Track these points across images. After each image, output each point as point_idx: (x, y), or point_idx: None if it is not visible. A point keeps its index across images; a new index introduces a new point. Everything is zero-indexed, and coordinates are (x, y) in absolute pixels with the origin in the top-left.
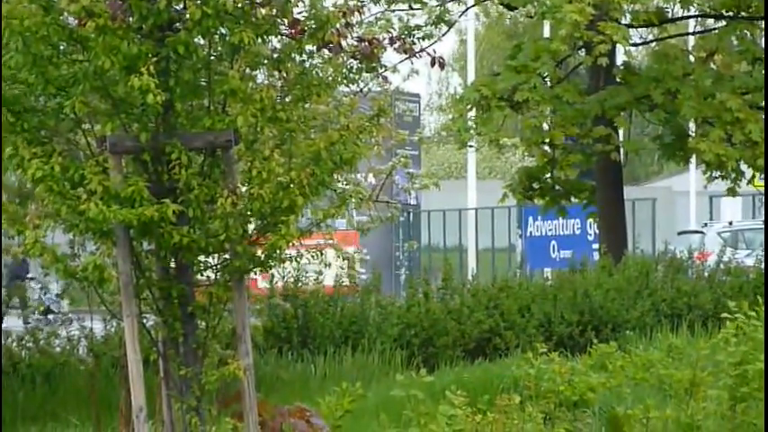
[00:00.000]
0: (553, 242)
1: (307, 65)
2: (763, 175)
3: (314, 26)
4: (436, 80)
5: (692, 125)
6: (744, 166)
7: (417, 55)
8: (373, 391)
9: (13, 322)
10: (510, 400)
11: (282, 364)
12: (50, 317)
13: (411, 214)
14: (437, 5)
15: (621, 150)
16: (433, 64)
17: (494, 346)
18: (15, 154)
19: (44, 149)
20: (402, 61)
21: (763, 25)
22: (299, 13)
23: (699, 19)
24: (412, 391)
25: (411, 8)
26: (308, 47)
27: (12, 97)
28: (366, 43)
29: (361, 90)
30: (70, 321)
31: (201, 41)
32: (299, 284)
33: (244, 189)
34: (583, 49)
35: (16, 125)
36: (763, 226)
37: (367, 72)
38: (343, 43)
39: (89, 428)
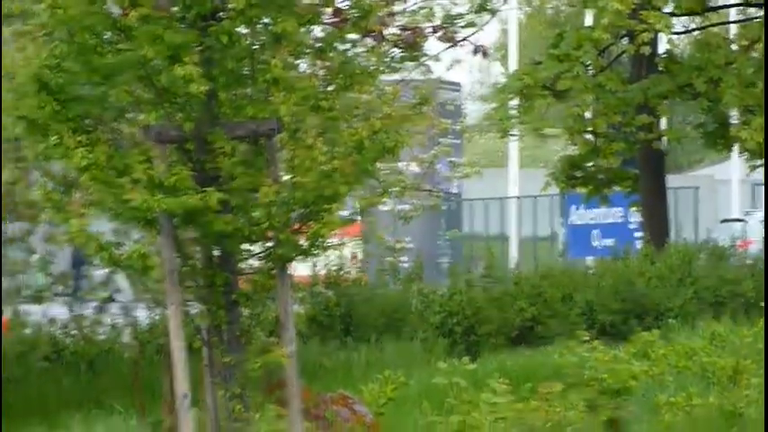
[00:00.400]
0: (595, 230)
1: (349, 54)
2: None
3: (357, 15)
4: (478, 69)
5: (734, 113)
6: None
7: (460, 44)
8: (415, 378)
9: (57, 310)
10: (552, 388)
11: (325, 352)
12: (100, 304)
13: (453, 203)
14: None
15: (664, 139)
16: (475, 53)
17: (536, 334)
18: (60, 143)
19: (89, 138)
20: (445, 50)
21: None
22: (342, 1)
23: (741, 8)
24: (454, 378)
25: None
26: (351, 36)
27: (57, 86)
28: (409, 32)
29: (403, 79)
30: (129, 309)
31: (244, 30)
32: (342, 273)
33: (287, 177)
34: (625, 38)
35: (61, 114)
36: None
37: (409, 61)
38: (386, 32)
39: (133, 415)
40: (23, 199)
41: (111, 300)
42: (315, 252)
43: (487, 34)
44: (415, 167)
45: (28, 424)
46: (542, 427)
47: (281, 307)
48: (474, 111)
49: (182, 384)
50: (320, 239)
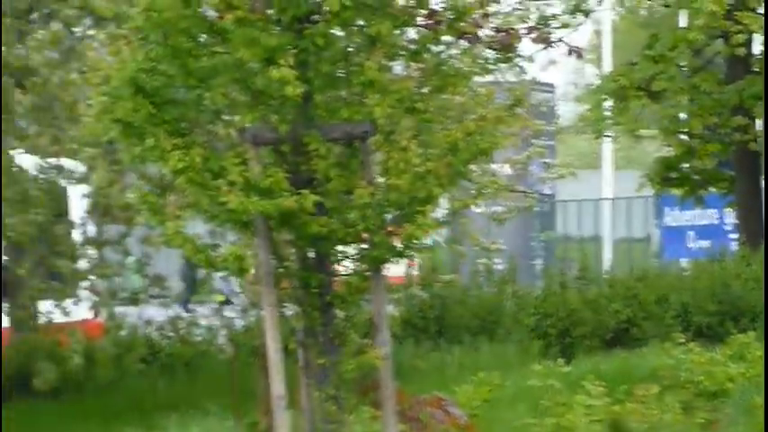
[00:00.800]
0: (690, 232)
1: (443, 56)
2: None
3: (451, 17)
4: (571, 70)
5: None
6: None
7: (554, 45)
8: (510, 380)
9: (153, 311)
10: (648, 391)
11: (419, 354)
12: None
13: (546, 204)
14: None
15: (759, 140)
16: (570, 54)
17: (631, 336)
18: (156, 145)
19: (185, 141)
20: (539, 51)
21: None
22: (437, 3)
23: None
24: (549, 380)
25: None
26: (445, 37)
27: (152, 89)
28: (503, 34)
29: (496, 80)
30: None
31: (339, 33)
32: (436, 274)
33: (381, 180)
34: (720, 39)
35: (157, 117)
36: None
37: (503, 62)
38: (480, 33)
39: (229, 417)
40: (118, 202)
41: (228, 302)
42: (409, 254)
43: (581, 35)
44: (507, 169)
45: (125, 425)
46: (638, 429)
47: (376, 309)
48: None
49: (277, 386)
50: (414, 241)
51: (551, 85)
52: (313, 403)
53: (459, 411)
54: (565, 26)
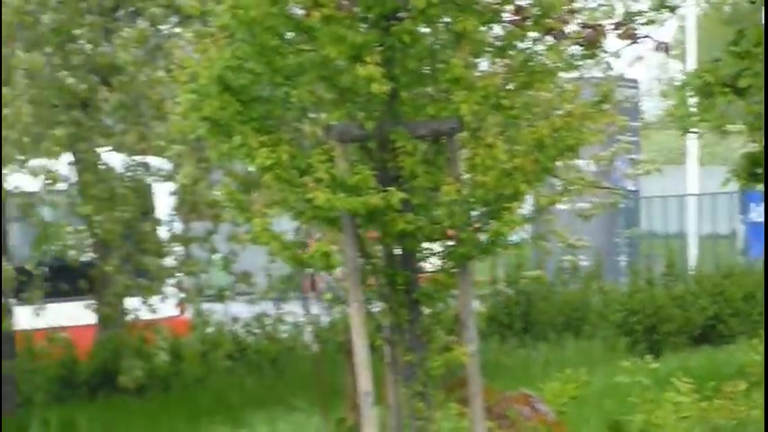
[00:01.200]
0: None
1: (529, 52)
2: None
3: (538, 12)
4: (655, 66)
5: None
6: None
7: (640, 41)
8: (597, 377)
9: (239, 308)
10: (736, 387)
11: (504, 350)
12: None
13: (631, 201)
14: None
15: None
16: (657, 50)
17: (718, 332)
18: (244, 143)
19: (271, 138)
20: (624, 47)
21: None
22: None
23: None
24: (637, 377)
25: None
26: (532, 33)
27: (240, 87)
28: (590, 30)
29: (582, 76)
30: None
31: (425, 30)
32: (522, 270)
33: (467, 176)
34: None
35: (244, 114)
36: None
37: (589, 58)
38: (567, 29)
39: (316, 413)
40: (205, 199)
41: (337, 300)
42: (495, 251)
43: (665, 31)
44: (591, 165)
45: (212, 422)
46: (726, 425)
47: (463, 305)
48: (651, 108)
49: (365, 382)
50: (501, 238)
51: (635, 81)
52: (400, 400)
53: (547, 408)
54: (650, 22)
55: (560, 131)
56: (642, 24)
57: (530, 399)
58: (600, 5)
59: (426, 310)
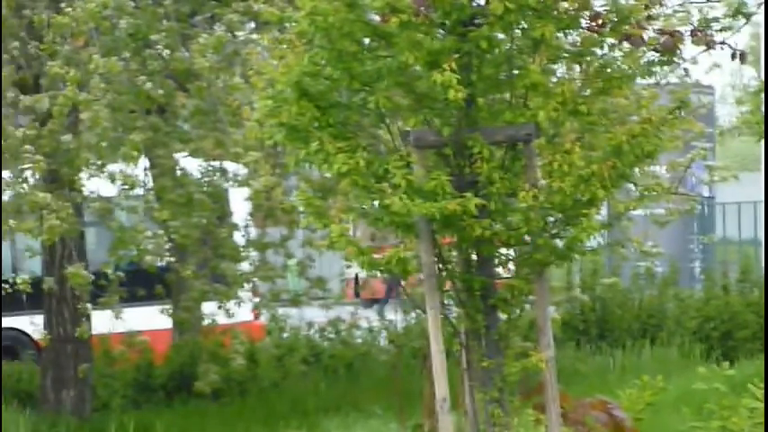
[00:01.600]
0: None
1: (606, 58)
2: None
3: (615, 19)
4: (729, 72)
5: None
6: None
7: (719, 47)
8: (673, 384)
9: (314, 313)
10: None
11: (580, 357)
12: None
13: (706, 207)
14: None
15: None
16: (733, 57)
17: None
18: (321, 148)
19: (349, 144)
20: (700, 53)
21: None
22: (601, 6)
23: None
24: (714, 383)
25: (709, 0)
26: (609, 40)
27: (317, 92)
28: (668, 36)
29: (658, 83)
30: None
31: (501, 36)
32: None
33: (544, 182)
34: None
35: (322, 120)
36: None
37: (666, 65)
38: (645, 36)
39: (392, 419)
40: (281, 205)
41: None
42: (572, 257)
43: (739, 37)
44: (665, 171)
45: (288, 427)
46: None
47: (539, 311)
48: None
49: (441, 388)
50: (578, 244)
51: (711, 88)
52: (476, 406)
53: (624, 415)
54: (726, 29)
55: (638, 137)
56: (717, 31)
57: (607, 405)
58: (676, 12)
59: (503, 316)
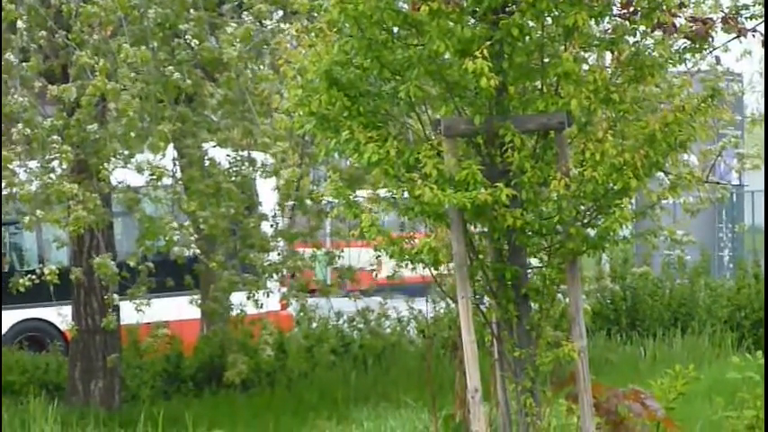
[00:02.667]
0: None
1: (639, 46)
2: None
3: (647, 6)
4: (758, 60)
5: None
6: None
7: (751, 34)
8: (705, 373)
9: (342, 303)
10: None
11: (611, 347)
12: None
13: (734, 195)
14: None
15: None
16: (765, 45)
17: None
18: (351, 138)
19: (379, 133)
20: (730, 40)
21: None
22: None
23: None
24: (746, 372)
25: None
26: (641, 27)
27: (348, 81)
28: (699, 23)
29: (688, 71)
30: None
31: (532, 23)
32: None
33: (576, 171)
34: None
35: (352, 109)
36: None
37: (697, 52)
38: (676, 23)
39: (423, 409)
40: (309, 195)
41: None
42: (604, 246)
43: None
44: (694, 159)
45: (317, 417)
46: None
47: (572, 301)
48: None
49: (473, 378)
50: (610, 234)
51: (740, 75)
52: (508, 396)
53: (657, 404)
54: (755, 17)
55: (671, 126)
56: (747, 18)
57: (640, 395)
58: None
59: (534, 306)
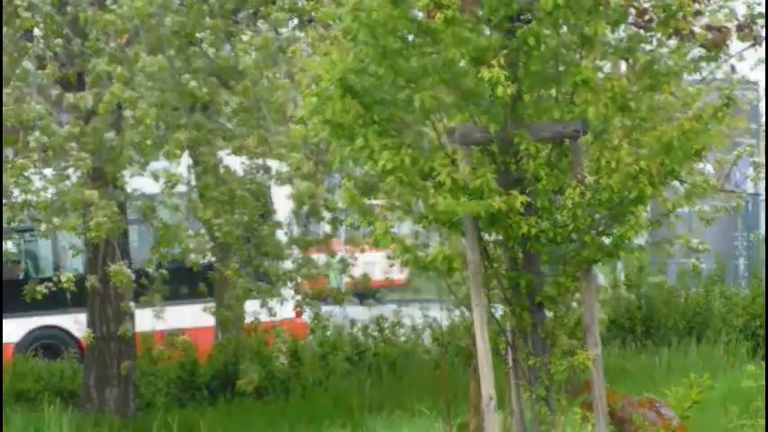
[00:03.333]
0: None
1: (654, 54)
2: None
3: (663, 15)
4: None
5: None
6: None
7: (767, 42)
8: (720, 382)
9: (357, 311)
10: None
11: (626, 355)
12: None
13: (749, 203)
14: None
15: None
16: (765, 44)
17: None
18: (366, 146)
19: (394, 141)
20: (746, 49)
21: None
22: (648, 2)
23: None
24: (761, 381)
25: None
26: (657, 36)
27: (362, 89)
28: (715, 31)
29: (704, 79)
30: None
31: (547, 32)
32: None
33: (591, 179)
34: None
35: (366, 117)
36: None
37: (712, 61)
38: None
39: (437, 417)
40: (324, 203)
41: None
42: (619, 254)
43: None
44: (710, 168)
45: (331, 425)
46: None
47: (587, 310)
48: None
49: (487, 386)
50: (626, 242)
51: (755, 84)
52: (523, 404)
53: (672, 413)
54: None
55: (688, 134)
56: (762, 27)
57: (655, 404)
58: (721, 7)
59: (549, 314)
